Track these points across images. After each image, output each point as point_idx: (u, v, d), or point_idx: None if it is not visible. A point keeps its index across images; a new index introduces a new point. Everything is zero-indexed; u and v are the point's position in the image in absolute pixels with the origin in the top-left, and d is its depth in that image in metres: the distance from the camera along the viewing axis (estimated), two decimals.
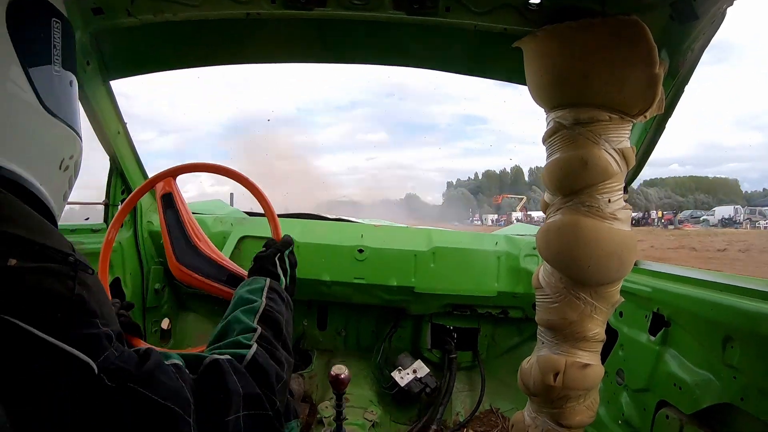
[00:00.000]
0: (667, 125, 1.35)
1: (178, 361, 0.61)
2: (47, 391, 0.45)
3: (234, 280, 1.10)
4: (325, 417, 1.91)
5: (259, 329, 0.77)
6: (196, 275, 1.13)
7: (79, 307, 0.49)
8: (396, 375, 2.12)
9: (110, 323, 0.53)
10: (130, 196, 1.24)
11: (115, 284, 1.78)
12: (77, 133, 0.68)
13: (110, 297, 1.07)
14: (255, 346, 0.72)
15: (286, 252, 1.04)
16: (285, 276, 1.00)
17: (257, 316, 0.80)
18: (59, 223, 0.70)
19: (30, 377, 0.44)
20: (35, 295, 0.46)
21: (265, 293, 0.87)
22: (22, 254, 0.47)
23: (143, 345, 1.07)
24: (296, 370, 2.18)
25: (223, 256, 1.18)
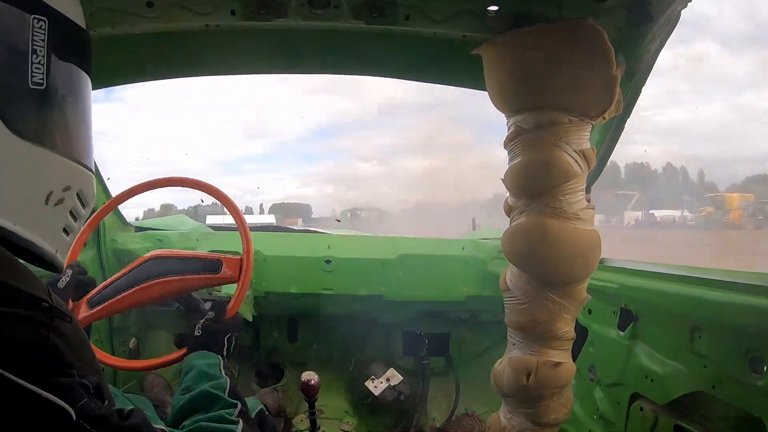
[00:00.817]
0: (625, 126, 1.39)
1: (165, 429, 0.60)
2: None
3: (211, 265, 1.06)
4: (300, 430, 1.89)
5: (239, 405, 0.78)
6: (175, 277, 1.08)
7: (53, 358, 0.46)
8: (369, 384, 2.12)
9: (89, 375, 0.50)
10: (94, 215, 1.21)
11: None
12: (77, 162, 0.59)
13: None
14: (241, 423, 0.73)
15: (234, 334, 1.02)
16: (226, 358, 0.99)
17: (227, 392, 0.79)
18: None
19: (6, 423, 0.42)
20: (8, 343, 0.43)
21: (222, 371, 0.86)
22: None
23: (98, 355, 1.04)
24: (269, 384, 2.16)
25: (186, 251, 1.15)
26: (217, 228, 2.33)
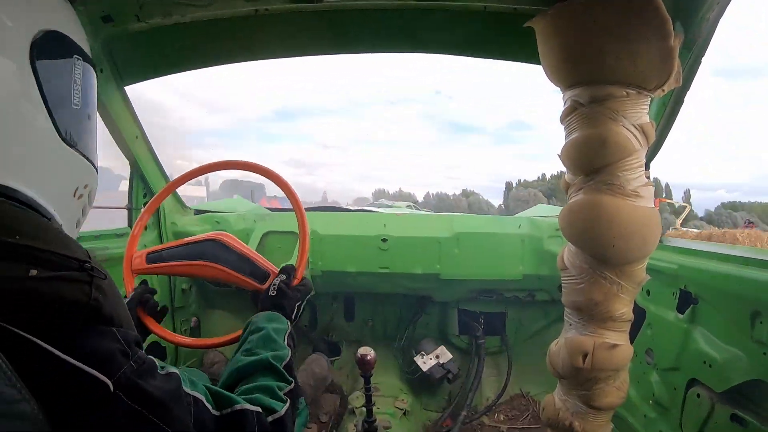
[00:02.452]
0: (686, 98, 1.33)
1: (201, 396, 0.62)
2: (65, 408, 0.46)
3: (259, 272, 1.09)
4: (356, 407, 1.91)
5: (293, 383, 0.79)
6: (223, 267, 1.13)
7: (96, 313, 0.50)
8: (418, 360, 2.13)
9: (127, 327, 0.55)
10: (153, 198, 1.25)
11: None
12: (93, 165, 0.71)
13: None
14: (288, 402, 0.74)
15: (304, 302, 1.05)
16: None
17: (283, 365, 0.81)
18: (83, 230, 0.72)
19: (47, 395, 0.45)
20: (53, 305, 0.47)
21: (286, 339, 0.88)
22: (42, 264, 0.49)
23: (161, 332, 1.10)
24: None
25: (250, 249, 1.18)
26: (273, 209, 2.37)
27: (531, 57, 1.23)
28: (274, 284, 0.99)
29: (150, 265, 1.15)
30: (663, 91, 1.12)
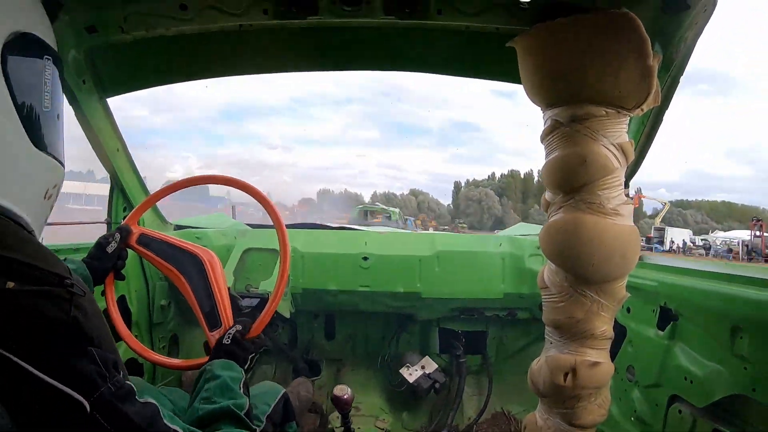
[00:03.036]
0: (664, 117, 1.35)
1: (178, 429, 0.61)
2: (39, 427, 0.46)
3: (212, 318, 1.06)
4: (336, 428, 1.89)
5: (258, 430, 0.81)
6: (188, 288, 1.11)
7: (75, 332, 0.49)
8: (404, 372, 2.12)
9: (106, 348, 0.53)
10: (134, 211, 1.23)
11: (122, 302, 1.77)
12: (61, 162, 0.70)
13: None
14: None
15: (257, 355, 1.05)
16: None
17: (244, 413, 0.81)
18: (64, 243, 0.72)
19: (21, 412, 0.45)
20: (31, 320, 0.47)
21: (242, 388, 0.87)
22: (20, 278, 0.48)
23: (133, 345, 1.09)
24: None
25: (222, 289, 1.14)
26: (254, 226, 2.35)
27: (512, 76, 1.24)
28: (230, 333, 0.98)
29: (137, 246, 1.15)
30: (642, 110, 1.14)
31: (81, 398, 0.47)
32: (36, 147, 0.63)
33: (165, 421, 0.59)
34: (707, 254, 27.03)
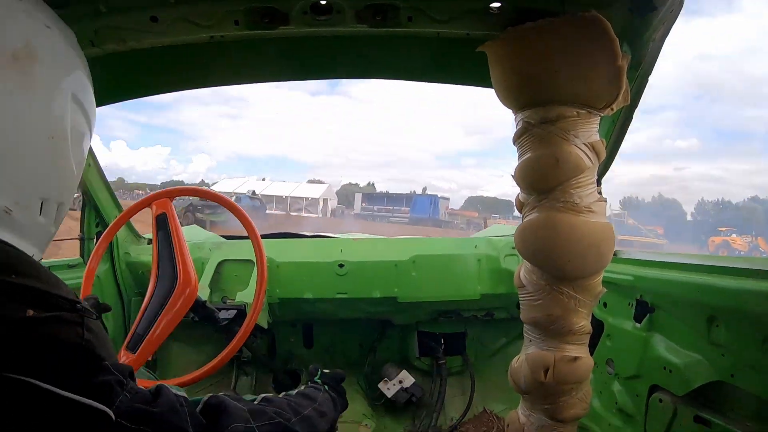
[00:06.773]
0: (633, 115, 1.38)
1: (186, 395, 0.63)
2: None
3: (138, 342, 1.08)
4: None
5: None
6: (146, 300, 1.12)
7: (90, 353, 0.51)
8: (382, 386, 2.12)
9: (116, 362, 0.55)
10: (109, 227, 1.23)
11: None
12: None
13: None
14: None
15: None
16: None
17: None
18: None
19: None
20: (49, 346, 0.48)
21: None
22: (38, 305, 0.49)
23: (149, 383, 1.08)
24: (286, 389, 2.17)
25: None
26: (228, 237, 2.34)
27: (483, 81, 1.26)
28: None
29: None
30: (612, 109, 1.16)
31: (105, 408, 0.49)
32: None
33: (174, 391, 0.60)
34: None
